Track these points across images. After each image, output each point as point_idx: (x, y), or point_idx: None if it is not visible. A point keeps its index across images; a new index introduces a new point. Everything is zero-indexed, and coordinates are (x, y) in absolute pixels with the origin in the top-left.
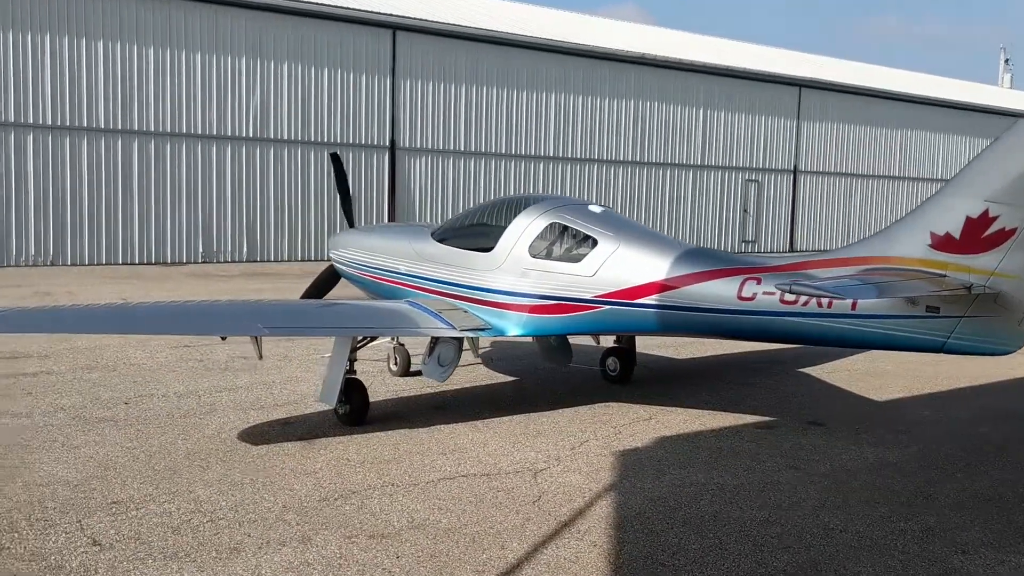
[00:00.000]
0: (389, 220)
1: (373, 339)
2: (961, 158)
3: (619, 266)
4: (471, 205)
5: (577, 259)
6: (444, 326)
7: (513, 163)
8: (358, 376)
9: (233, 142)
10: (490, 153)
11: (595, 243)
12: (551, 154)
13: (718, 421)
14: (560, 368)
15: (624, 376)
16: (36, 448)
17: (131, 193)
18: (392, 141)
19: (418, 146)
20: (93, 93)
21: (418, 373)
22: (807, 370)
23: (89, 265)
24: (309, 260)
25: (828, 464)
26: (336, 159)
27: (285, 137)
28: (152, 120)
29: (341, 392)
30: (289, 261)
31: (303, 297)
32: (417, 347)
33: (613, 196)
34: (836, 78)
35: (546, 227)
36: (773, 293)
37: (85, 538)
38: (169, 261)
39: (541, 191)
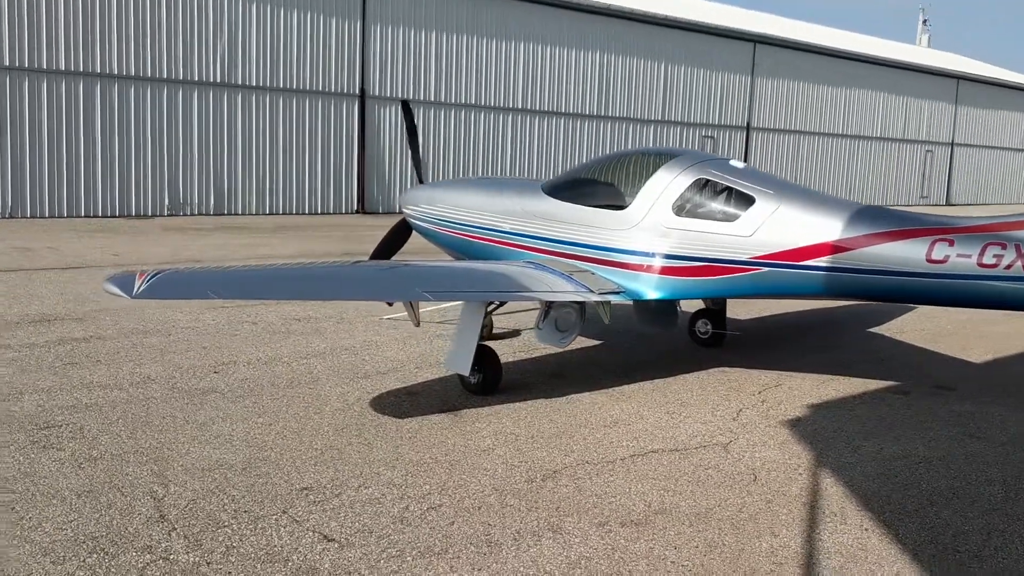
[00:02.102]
0: (359, 171)
1: (501, 304)
2: (898, 116)
3: (782, 226)
4: (440, 156)
5: (731, 218)
6: (581, 289)
7: (482, 114)
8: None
9: (200, 87)
10: (459, 104)
11: (752, 201)
12: (519, 106)
13: (848, 386)
14: (663, 333)
15: (717, 339)
16: (160, 426)
17: (93, 141)
18: (362, 90)
19: (388, 95)
20: (52, 33)
21: (500, 337)
22: (876, 330)
23: (51, 218)
24: (278, 213)
25: (1004, 432)
26: (407, 107)
27: (253, 83)
28: (115, 62)
29: (475, 360)
30: (258, 214)
31: (375, 254)
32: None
33: (578, 150)
34: (788, 34)
35: (693, 183)
36: (968, 256)
37: (310, 533)
38: (134, 214)
39: (510, 144)
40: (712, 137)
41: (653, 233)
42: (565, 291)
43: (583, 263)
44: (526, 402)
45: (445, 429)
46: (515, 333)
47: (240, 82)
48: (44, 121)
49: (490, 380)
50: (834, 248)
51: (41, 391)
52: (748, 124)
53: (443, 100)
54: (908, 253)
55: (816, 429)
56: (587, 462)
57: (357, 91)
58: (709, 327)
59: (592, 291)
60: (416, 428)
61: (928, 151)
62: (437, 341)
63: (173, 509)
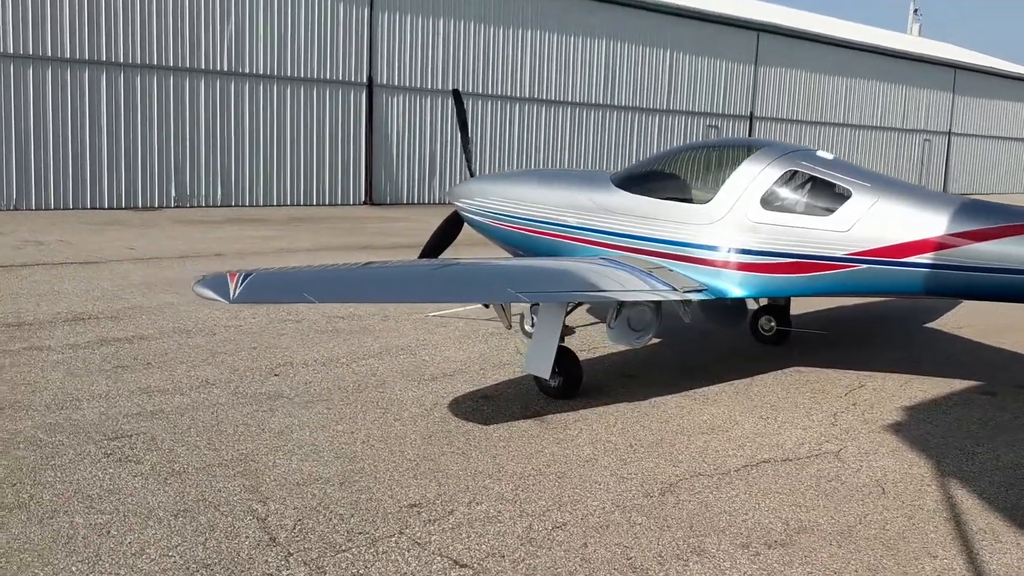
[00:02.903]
0: (366, 161)
1: (579, 305)
2: (897, 105)
3: (881, 221)
4: (449, 146)
5: (826, 212)
6: (664, 288)
7: (491, 103)
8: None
9: (207, 76)
10: (467, 93)
11: (848, 195)
12: (527, 95)
13: (931, 387)
14: (731, 331)
15: (781, 337)
16: (235, 435)
17: (99, 131)
18: (370, 78)
19: (396, 83)
20: (58, 20)
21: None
22: (932, 325)
23: (56, 210)
24: (286, 204)
25: None
26: (458, 97)
27: (260, 72)
28: (121, 51)
29: (556, 363)
30: (266, 206)
31: (426, 250)
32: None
33: (585, 140)
34: (791, 23)
35: (782, 175)
36: None
37: (438, 557)
38: (141, 205)
39: (518, 133)
40: (716, 126)
41: (739, 228)
42: (650, 289)
43: (660, 260)
44: (609, 406)
45: (537, 437)
46: (571, 331)
47: (247, 71)
48: (48, 110)
49: (571, 383)
50: (938, 245)
51: (99, 397)
52: (751, 113)
53: (451, 88)
54: (1020, 250)
55: (922, 435)
56: (700, 474)
57: (365, 80)
58: (773, 324)
59: (676, 289)
60: (507, 436)
61: (926, 140)
62: (493, 339)
63: (281, 531)
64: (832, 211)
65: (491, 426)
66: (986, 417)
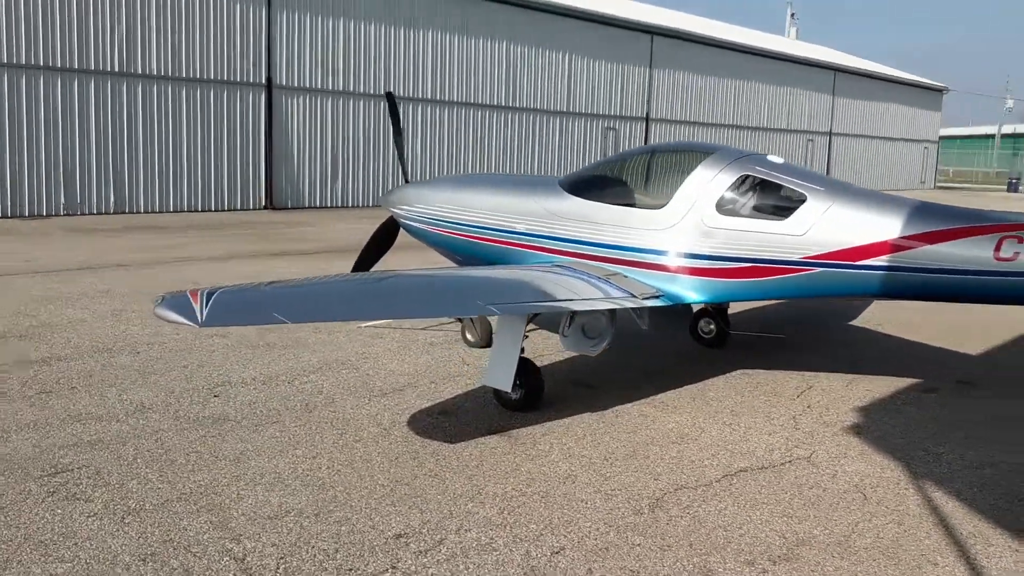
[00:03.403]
0: (266, 165)
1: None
2: (782, 106)
3: (837, 224)
4: (351, 148)
5: (781, 217)
6: (624, 295)
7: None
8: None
9: (97, 76)
10: (367, 94)
11: (803, 199)
12: (427, 96)
13: (875, 386)
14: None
15: (720, 339)
16: (188, 465)
17: None
18: (268, 79)
19: (296, 85)
20: None
21: None
22: (854, 323)
23: None
24: (183, 210)
25: None
26: (391, 99)
27: (153, 73)
28: (3, 50)
29: (517, 375)
30: (162, 212)
31: (362, 258)
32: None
33: (488, 141)
34: (683, 27)
35: (737, 180)
36: None
37: None
38: (27, 214)
39: (420, 135)
40: (614, 129)
41: (694, 233)
42: (614, 297)
43: (613, 266)
44: (572, 417)
45: (508, 454)
46: None
47: (140, 71)
48: None
49: (533, 395)
50: (894, 247)
51: (27, 427)
52: (647, 115)
53: (351, 90)
54: (974, 251)
55: (882, 436)
56: (683, 487)
57: (263, 81)
58: (713, 327)
59: (635, 296)
60: (477, 454)
61: (809, 140)
62: (435, 350)
63: (265, 571)
64: (787, 215)
65: (458, 444)
66: (937, 415)
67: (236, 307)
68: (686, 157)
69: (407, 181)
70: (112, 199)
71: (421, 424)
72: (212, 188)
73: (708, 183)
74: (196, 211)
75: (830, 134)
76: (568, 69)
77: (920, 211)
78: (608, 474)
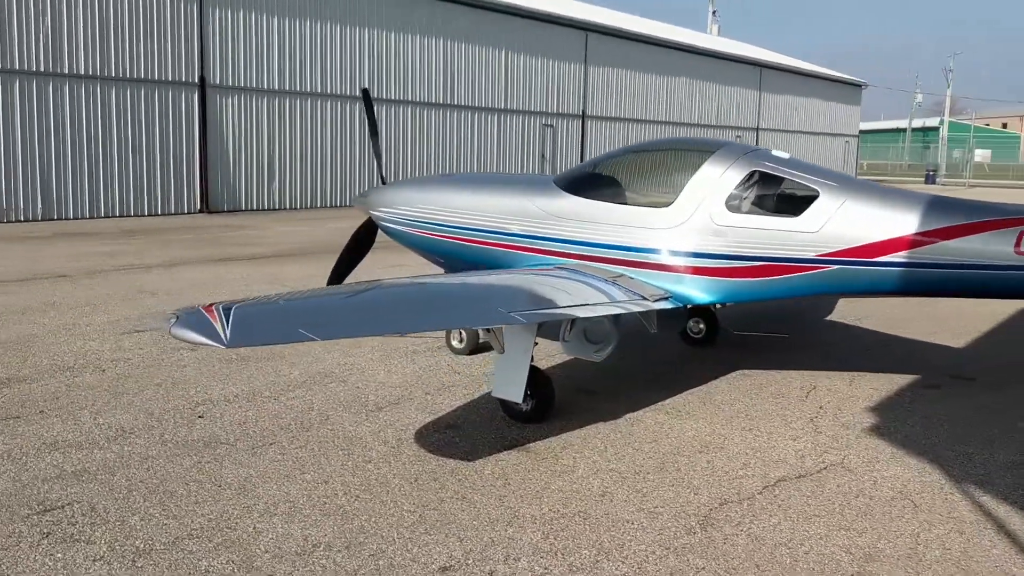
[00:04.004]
0: (201, 167)
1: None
2: (712, 102)
3: (851, 220)
4: (288, 149)
5: (794, 213)
6: (634, 297)
7: (329, 103)
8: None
9: (21, 77)
10: (305, 92)
11: (816, 194)
12: None
13: (878, 383)
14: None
15: (710, 338)
16: (189, 495)
17: None
18: (202, 78)
19: (231, 84)
20: None
21: (485, 349)
22: (832, 319)
23: None
24: (115, 215)
25: None
26: (367, 97)
27: (81, 72)
28: None
29: (527, 385)
30: (92, 218)
31: (340, 264)
32: None
33: (426, 139)
34: (616, 24)
35: (747, 176)
36: None
37: None
38: None
39: (359, 133)
40: (551, 126)
41: (704, 232)
42: (628, 300)
43: (617, 267)
44: (586, 428)
45: (533, 471)
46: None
47: (66, 71)
48: None
49: (544, 406)
50: (911, 242)
51: (1, 458)
52: (583, 112)
53: (288, 88)
54: (994, 246)
55: (904, 437)
56: (726, 501)
57: (196, 80)
58: (702, 326)
59: (647, 299)
60: (500, 472)
61: (738, 136)
62: (419, 358)
63: None
64: (801, 212)
65: (476, 462)
66: (950, 413)
67: (259, 324)
68: (692, 153)
69: (384, 182)
70: (40, 205)
71: (430, 441)
72: (145, 192)
73: (717, 180)
74: (129, 216)
75: (757, 129)
76: (505, 66)
77: (937, 205)
78: (644, 489)
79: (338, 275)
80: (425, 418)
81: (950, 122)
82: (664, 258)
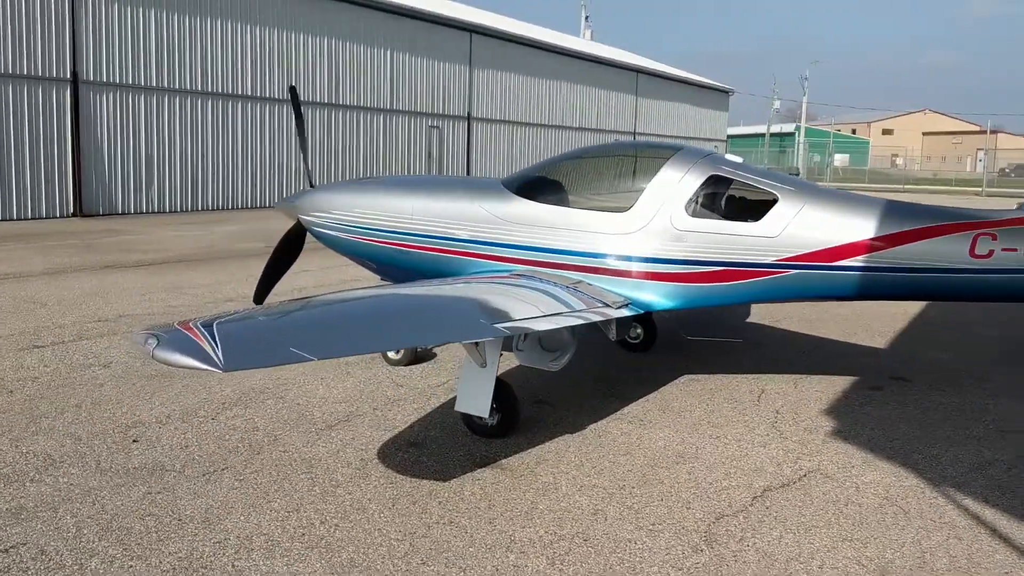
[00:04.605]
0: (74, 168)
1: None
2: (592, 107)
3: (810, 224)
4: (167, 149)
5: (754, 218)
6: (599, 305)
7: (210, 102)
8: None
9: None
10: (184, 90)
11: (774, 199)
12: (248, 93)
13: (821, 386)
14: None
15: (647, 344)
16: (148, 532)
17: None
18: (74, 73)
19: (106, 80)
20: None
21: (424, 360)
22: (753, 321)
23: None
24: (28, 218)
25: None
26: (295, 95)
27: None
28: None
29: (494, 399)
30: (8, 220)
31: (267, 272)
32: None
33: (312, 139)
34: (501, 26)
35: (706, 181)
36: (1015, 249)
37: None
38: None
39: (241, 133)
40: (437, 127)
41: (663, 237)
42: (593, 309)
43: (575, 273)
44: (554, 441)
45: (513, 489)
46: (431, 355)
47: None
48: None
49: (510, 420)
50: (869, 247)
51: None
52: (469, 114)
53: (166, 86)
54: (950, 249)
55: (871, 440)
56: (721, 515)
57: (69, 75)
58: (640, 331)
59: (610, 306)
60: (480, 493)
61: (617, 140)
62: (354, 369)
63: None
64: (760, 216)
65: (451, 482)
66: (901, 414)
67: (250, 344)
68: (649, 157)
69: (312, 185)
70: None
71: (396, 460)
72: (13, 194)
73: (676, 184)
74: (35, 219)
75: (634, 133)
76: (390, 66)
77: (894, 210)
78: (635, 506)
79: (267, 282)
80: (383, 435)
81: (806, 128)
82: (623, 264)
